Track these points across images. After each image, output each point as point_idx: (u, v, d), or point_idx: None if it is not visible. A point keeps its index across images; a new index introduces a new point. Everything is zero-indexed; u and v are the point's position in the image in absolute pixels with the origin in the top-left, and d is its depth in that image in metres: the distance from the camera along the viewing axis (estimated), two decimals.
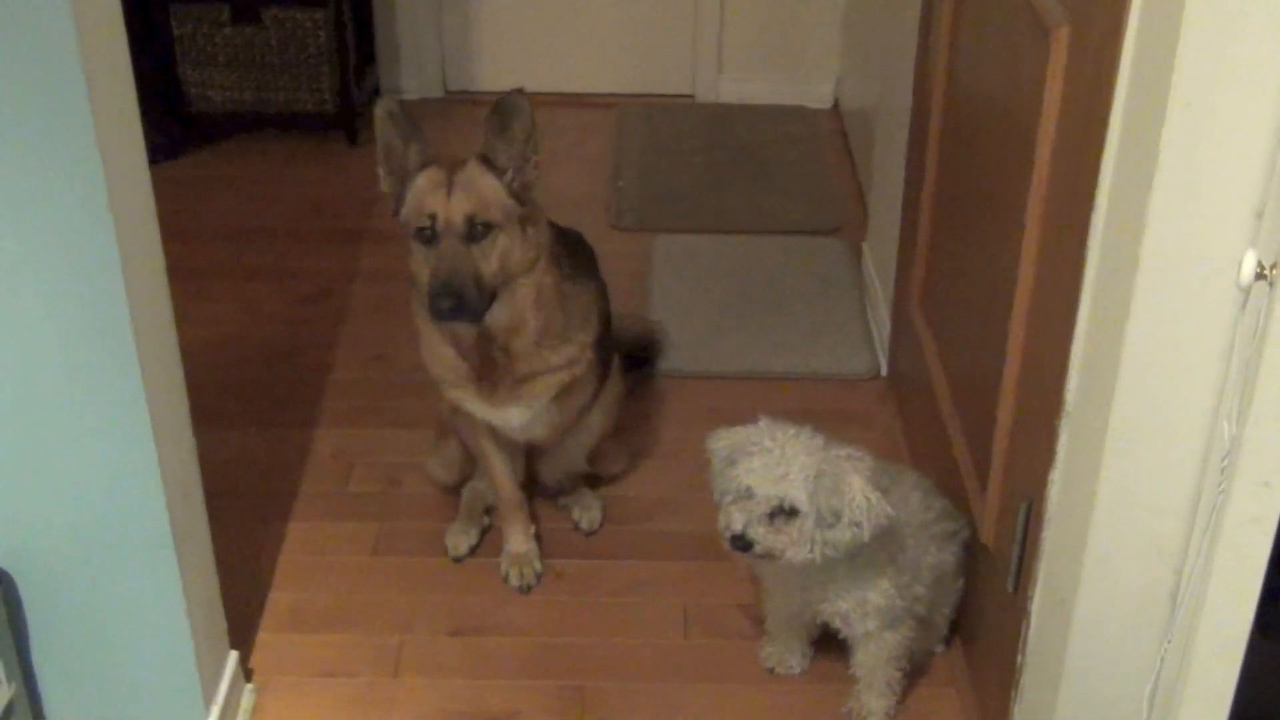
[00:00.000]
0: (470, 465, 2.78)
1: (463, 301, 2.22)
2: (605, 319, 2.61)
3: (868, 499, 2.00)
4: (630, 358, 3.07)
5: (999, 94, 2.21)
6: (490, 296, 2.27)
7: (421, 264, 2.28)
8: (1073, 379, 1.80)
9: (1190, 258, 1.55)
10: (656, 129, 4.60)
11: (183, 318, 2.05)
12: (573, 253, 2.49)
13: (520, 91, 2.22)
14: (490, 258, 2.24)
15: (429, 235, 2.25)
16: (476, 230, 2.22)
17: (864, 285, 3.57)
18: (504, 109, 2.23)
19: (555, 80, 4.82)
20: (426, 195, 2.24)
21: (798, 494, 1.99)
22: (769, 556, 2.04)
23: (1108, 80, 1.64)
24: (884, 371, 3.25)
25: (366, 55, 4.66)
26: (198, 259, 3.68)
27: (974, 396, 2.33)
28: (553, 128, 4.55)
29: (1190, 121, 1.49)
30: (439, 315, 2.24)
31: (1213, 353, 1.60)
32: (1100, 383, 1.70)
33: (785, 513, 2.01)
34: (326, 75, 4.33)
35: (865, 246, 3.63)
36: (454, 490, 2.81)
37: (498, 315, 2.31)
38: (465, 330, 2.35)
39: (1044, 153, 1.90)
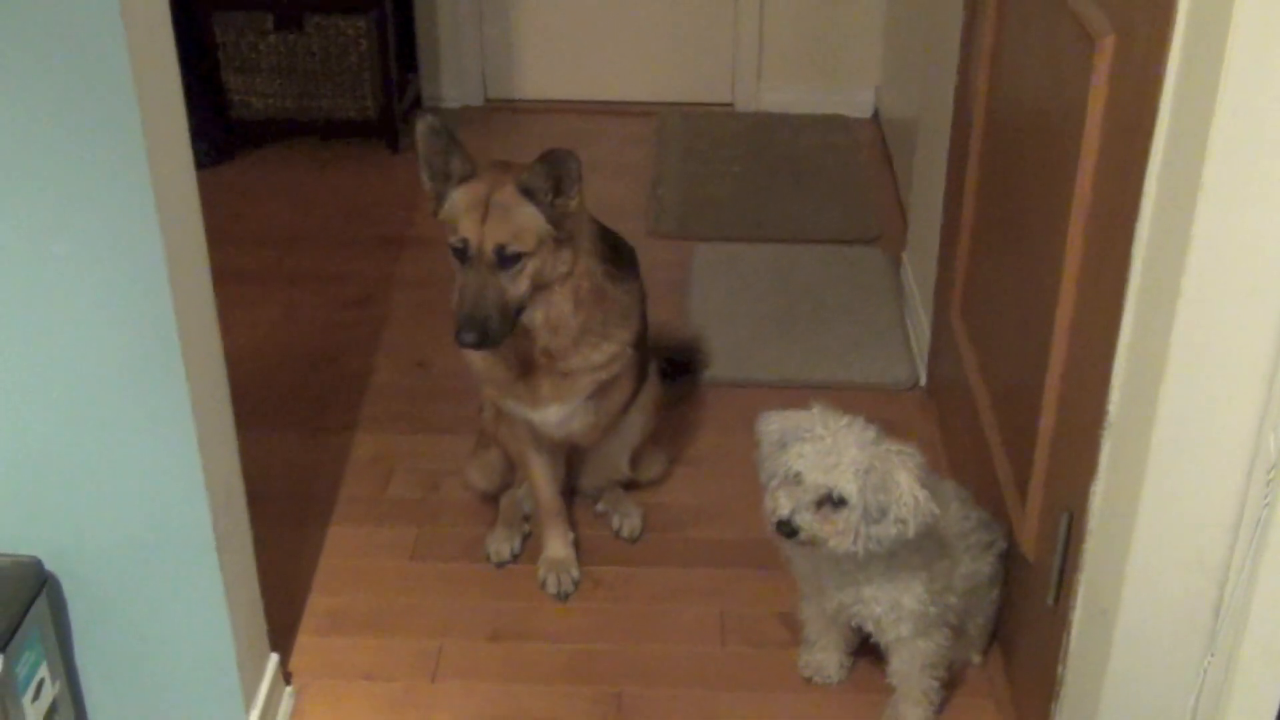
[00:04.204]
0: (509, 474, 2.79)
1: (485, 334, 2.24)
2: (643, 318, 2.62)
3: (915, 497, 1.99)
4: (671, 364, 3.08)
5: (1042, 103, 2.20)
6: (515, 316, 2.29)
7: (455, 274, 2.30)
8: (1115, 390, 1.79)
9: (1235, 268, 1.54)
10: (696, 137, 4.61)
11: (225, 322, 2.06)
12: (614, 250, 2.50)
13: (573, 154, 2.21)
14: (519, 282, 2.26)
15: (461, 255, 2.27)
16: (507, 259, 2.24)
17: (903, 295, 3.56)
18: (553, 160, 2.22)
19: (595, 89, 4.84)
20: (462, 216, 2.25)
21: (847, 485, 1.98)
22: (812, 544, 2.04)
23: (1153, 89, 1.63)
24: (923, 381, 3.24)
25: (408, 63, 4.69)
26: (240, 264, 3.71)
27: (1015, 407, 2.32)
28: (592, 136, 4.57)
29: (1237, 131, 1.48)
30: (463, 344, 2.27)
31: (1258, 364, 1.59)
32: (1143, 394, 1.69)
33: (833, 502, 2.00)
34: (368, 83, 4.36)
35: (905, 256, 3.62)
36: (492, 498, 2.82)
37: (533, 317, 2.33)
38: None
39: (1088, 162, 1.89)
